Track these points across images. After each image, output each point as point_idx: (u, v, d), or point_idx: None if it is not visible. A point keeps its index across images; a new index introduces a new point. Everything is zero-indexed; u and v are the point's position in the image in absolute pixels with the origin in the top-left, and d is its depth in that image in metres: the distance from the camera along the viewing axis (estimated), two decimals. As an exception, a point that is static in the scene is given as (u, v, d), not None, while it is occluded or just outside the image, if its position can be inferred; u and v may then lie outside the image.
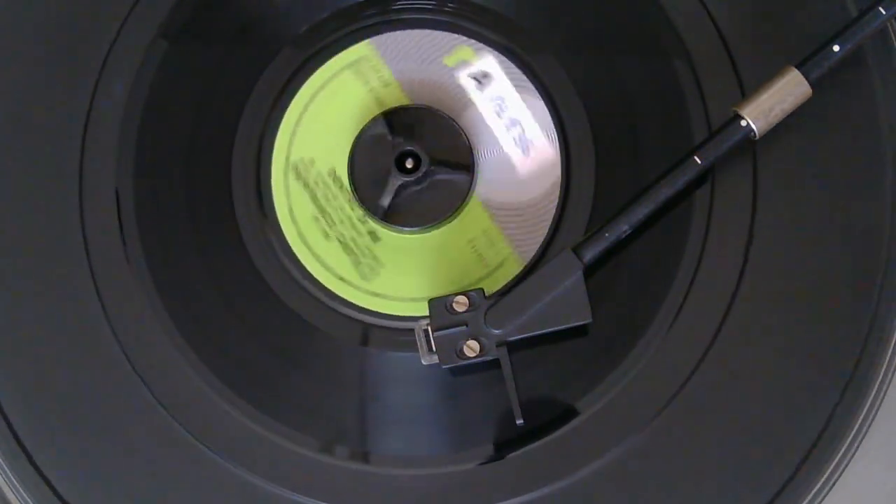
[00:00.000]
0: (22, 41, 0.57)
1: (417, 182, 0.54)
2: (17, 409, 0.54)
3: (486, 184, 0.56)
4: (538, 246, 0.55)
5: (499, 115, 0.56)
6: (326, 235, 0.55)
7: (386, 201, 0.54)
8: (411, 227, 0.55)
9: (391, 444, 0.53)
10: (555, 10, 0.57)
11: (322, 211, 0.55)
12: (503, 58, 0.57)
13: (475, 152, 0.55)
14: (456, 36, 0.57)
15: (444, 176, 0.54)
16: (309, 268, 0.55)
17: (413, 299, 0.54)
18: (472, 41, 0.57)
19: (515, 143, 0.56)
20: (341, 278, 0.55)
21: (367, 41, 0.57)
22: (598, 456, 0.51)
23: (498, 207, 0.55)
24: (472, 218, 0.55)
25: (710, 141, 0.52)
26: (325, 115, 0.57)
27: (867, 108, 0.54)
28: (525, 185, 0.55)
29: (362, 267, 0.55)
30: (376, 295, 0.55)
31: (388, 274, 0.55)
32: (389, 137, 0.54)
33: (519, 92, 0.56)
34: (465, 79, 0.57)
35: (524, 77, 0.56)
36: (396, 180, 0.54)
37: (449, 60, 0.57)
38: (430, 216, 0.54)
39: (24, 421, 0.53)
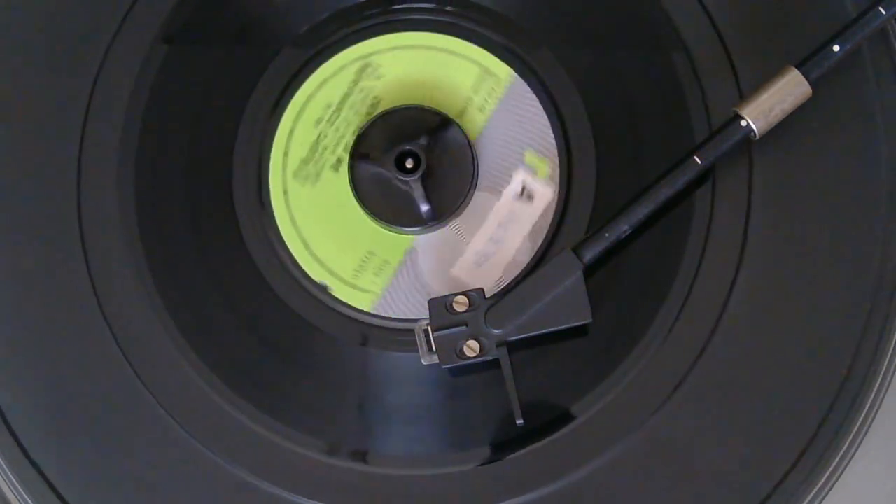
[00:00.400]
0: (22, 41, 0.57)
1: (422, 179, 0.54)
2: (17, 410, 0.53)
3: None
4: (538, 246, 0.55)
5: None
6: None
7: (426, 207, 0.54)
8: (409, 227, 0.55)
9: (391, 444, 0.53)
10: (555, 11, 0.57)
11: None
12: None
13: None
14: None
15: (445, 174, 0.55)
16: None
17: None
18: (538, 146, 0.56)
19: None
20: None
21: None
22: (598, 456, 0.51)
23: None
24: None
25: (710, 141, 0.52)
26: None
27: (867, 108, 0.54)
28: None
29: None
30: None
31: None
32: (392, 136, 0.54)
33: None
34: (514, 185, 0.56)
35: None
36: (417, 186, 0.53)
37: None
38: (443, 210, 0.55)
39: (24, 421, 0.53)
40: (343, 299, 0.55)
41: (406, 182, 0.53)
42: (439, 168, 0.54)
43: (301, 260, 0.55)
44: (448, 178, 0.55)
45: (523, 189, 0.54)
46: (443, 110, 0.55)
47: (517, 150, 0.56)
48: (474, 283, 0.53)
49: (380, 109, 0.56)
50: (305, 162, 0.56)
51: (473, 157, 0.55)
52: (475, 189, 0.55)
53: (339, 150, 0.56)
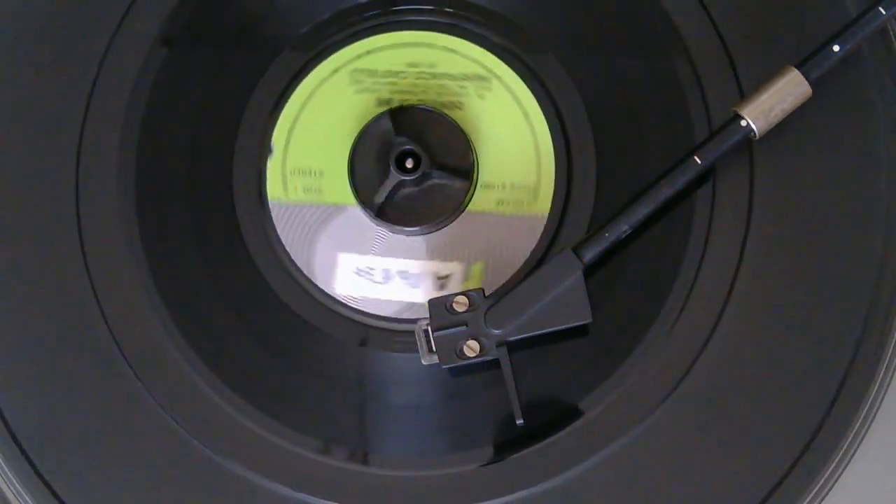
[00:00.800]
0: (22, 42, 0.57)
1: (416, 183, 0.54)
2: (17, 411, 0.53)
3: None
4: (538, 246, 0.55)
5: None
6: None
7: (381, 198, 0.54)
8: (407, 226, 0.54)
9: (391, 444, 0.53)
10: (555, 11, 0.57)
11: None
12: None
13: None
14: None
15: (441, 181, 0.54)
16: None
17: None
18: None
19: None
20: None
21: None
22: (598, 456, 0.51)
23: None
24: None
25: (710, 141, 0.52)
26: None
27: (867, 108, 0.54)
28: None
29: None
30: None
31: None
32: (393, 136, 0.54)
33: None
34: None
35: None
36: (394, 178, 0.53)
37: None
38: (424, 218, 0.54)
39: (23, 422, 0.53)
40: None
41: (396, 177, 0.53)
42: (439, 169, 0.54)
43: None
44: (447, 179, 0.55)
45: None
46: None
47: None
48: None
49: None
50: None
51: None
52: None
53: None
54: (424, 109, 0.55)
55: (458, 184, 0.54)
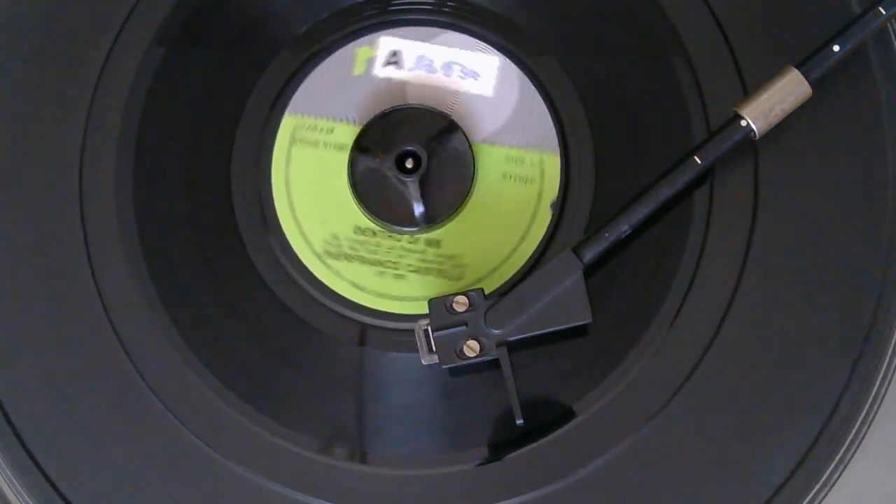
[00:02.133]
0: (22, 43, 0.57)
1: (425, 177, 0.54)
2: (20, 410, 0.53)
3: (478, 128, 0.56)
4: (538, 246, 0.55)
5: (463, 77, 0.57)
6: (397, 276, 0.55)
7: (420, 209, 0.54)
8: (442, 218, 0.55)
9: (390, 444, 0.53)
10: (554, 11, 0.57)
11: (380, 262, 0.55)
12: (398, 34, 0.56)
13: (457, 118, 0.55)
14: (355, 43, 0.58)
15: (446, 165, 0.54)
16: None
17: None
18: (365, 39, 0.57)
19: (463, 78, 0.56)
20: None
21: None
22: (599, 456, 0.51)
23: (499, 133, 0.55)
24: (489, 161, 0.56)
25: (710, 141, 0.52)
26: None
27: (867, 108, 0.54)
28: (500, 100, 0.56)
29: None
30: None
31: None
32: (377, 160, 0.54)
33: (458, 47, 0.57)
34: (381, 69, 0.56)
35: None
36: (413, 185, 0.53)
37: (357, 70, 0.57)
38: (453, 201, 0.55)
39: (26, 422, 0.53)
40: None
41: (403, 182, 0.53)
42: (439, 169, 0.54)
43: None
44: (447, 180, 0.55)
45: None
46: (444, 111, 0.55)
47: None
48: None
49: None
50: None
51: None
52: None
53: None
54: (423, 108, 0.55)
55: (457, 143, 0.55)
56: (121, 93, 0.57)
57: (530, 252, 0.54)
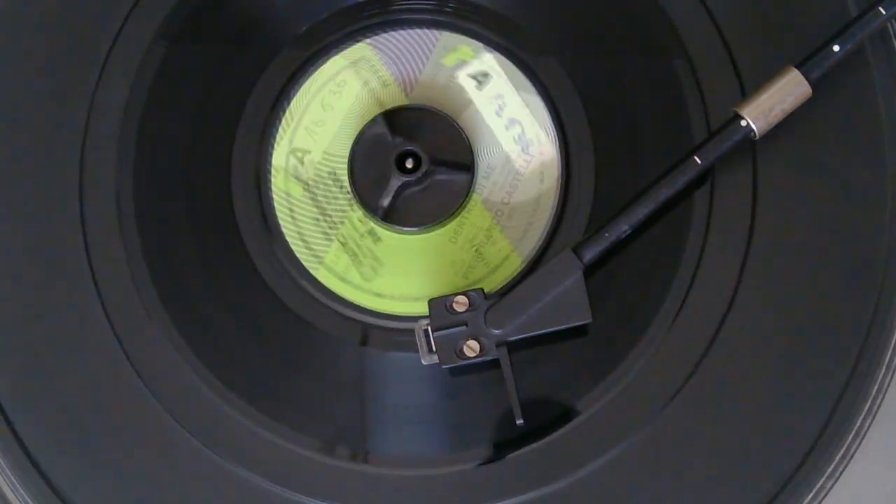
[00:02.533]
0: (22, 42, 0.57)
1: (418, 182, 0.54)
2: (19, 410, 0.53)
3: (487, 183, 0.56)
4: (538, 246, 0.55)
5: (498, 114, 0.56)
6: (327, 236, 0.55)
7: (386, 201, 0.54)
8: (411, 226, 0.54)
9: (391, 444, 0.53)
10: (555, 11, 0.57)
11: (323, 212, 0.55)
12: (502, 57, 0.57)
13: (475, 152, 0.55)
14: (455, 35, 0.57)
15: (444, 176, 0.54)
16: (309, 268, 0.55)
17: (414, 298, 0.54)
18: (472, 41, 0.57)
19: (515, 141, 0.56)
20: (342, 278, 0.55)
21: (366, 41, 0.57)
22: (599, 456, 0.51)
23: (499, 206, 0.55)
24: (473, 217, 0.55)
25: (710, 141, 0.52)
26: (325, 116, 0.57)
27: (867, 108, 0.54)
28: (526, 183, 0.55)
29: (363, 267, 0.55)
30: (377, 295, 0.55)
31: (388, 274, 0.55)
32: (389, 138, 0.54)
33: (518, 91, 0.56)
34: (464, 78, 0.57)
35: (524, 77, 0.56)
36: (396, 180, 0.53)
37: (448, 60, 0.57)
38: (430, 216, 0.54)
39: (25, 422, 0.53)
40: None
41: (393, 171, 0.53)
42: (439, 170, 0.54)
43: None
44: (428, 201, 0.55)
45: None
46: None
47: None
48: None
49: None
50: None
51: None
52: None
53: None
54: (420, 108, 0.55)
55: (460, 178, 0.54)
56: (121, 92, 0.56)
57: (530, 252, 0.55)
